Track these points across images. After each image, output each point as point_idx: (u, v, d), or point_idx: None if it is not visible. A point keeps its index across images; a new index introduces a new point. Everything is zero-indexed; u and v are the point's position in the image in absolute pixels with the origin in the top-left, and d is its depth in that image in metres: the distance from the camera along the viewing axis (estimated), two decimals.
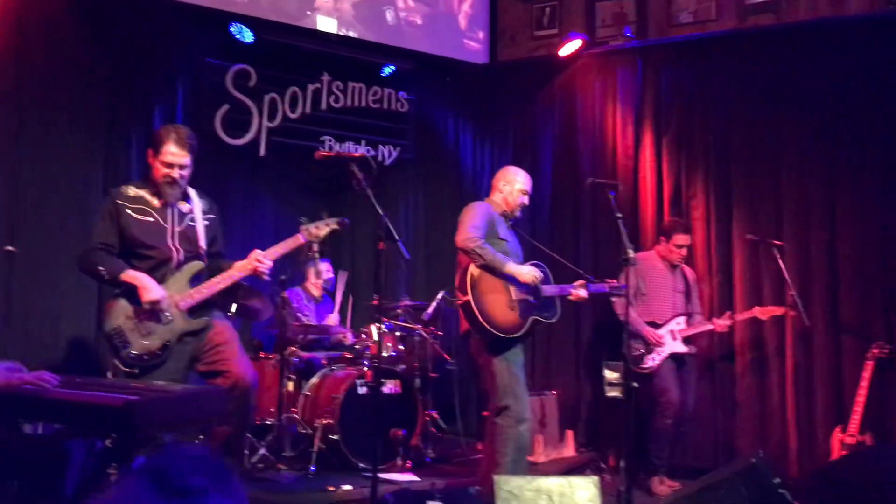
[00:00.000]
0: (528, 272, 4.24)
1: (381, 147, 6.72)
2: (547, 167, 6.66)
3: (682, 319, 5.32)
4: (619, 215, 4.20)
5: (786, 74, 5.79)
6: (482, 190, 6.72)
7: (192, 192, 3.79)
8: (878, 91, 5.47)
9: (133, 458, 2.79)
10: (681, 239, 5.35)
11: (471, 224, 4.24)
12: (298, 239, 3.80)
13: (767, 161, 5.80)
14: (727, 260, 5.87)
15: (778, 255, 5.31)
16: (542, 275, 4.30)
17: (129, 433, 2.79)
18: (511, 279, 4.24)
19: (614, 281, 4.62)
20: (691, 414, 5.37)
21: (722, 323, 5.27)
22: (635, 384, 4.24)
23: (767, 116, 5.82)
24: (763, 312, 5.24)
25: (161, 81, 5.80)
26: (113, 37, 5.53)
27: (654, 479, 5.21)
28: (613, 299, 5.22)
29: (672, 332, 5.26)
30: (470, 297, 4.15)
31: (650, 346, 5.24)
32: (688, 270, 5.52)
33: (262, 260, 3.71)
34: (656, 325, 5.28)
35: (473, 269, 4.21)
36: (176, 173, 3.63)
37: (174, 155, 3.62)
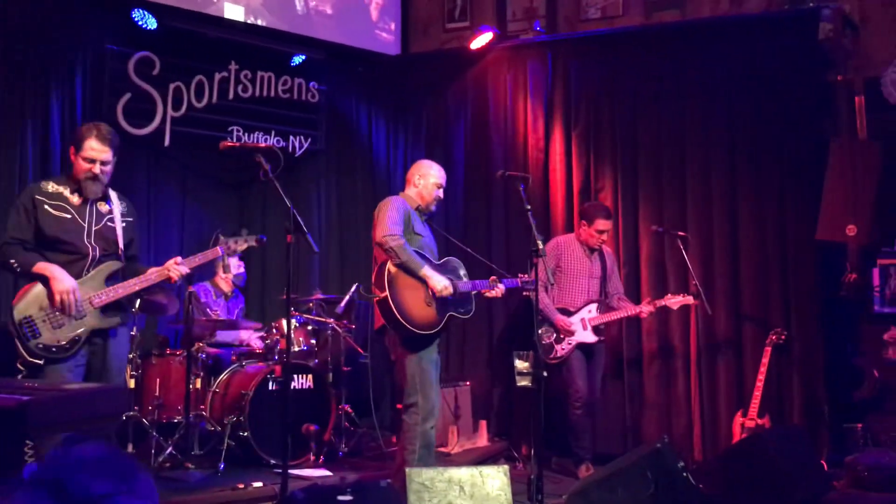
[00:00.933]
0: (441, 284, 4.23)
1: (291, 138, 6.63)
2: (460, 159, 6.70)
3: (593, 307, 5.39)
4: (529, 207, 4.24)
5: (689, 71, 5.97)
6: (396, 182, 6.74)
7: (112, 194, 3.82)
8: (776, 88, 5.69)
9: (23, 463, 2.67)
10: (602, 224, 5.40)
11: (389, 220, 4.23)
12: (217, 251, 3.87)
13: (673, 155, 5.97)
14: (634, 251, 6.02)
15: (682, 247, 5.46)
16: (452, 290, 4.29)
17: (24, 435, 2.67)
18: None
19: (525, 276, 4.68)
20: (598, 402, 5.49)
21: (646, 310, 5.35)
22: (545, 373, 4.29)
23: (672, 111, 5.99)
24: (673, 302, 5.36)
25: (59, 69, 5.57)
26: (4, 21, 5.27)
27: (581, 468, 5.31)
28: (525, 293, 5.23)
29: (583, 320, 5.34)
30: (387, 292, 4.14)
31: (560, 335, 5.31)
32: (606, 252, 5.58)
33: (177, 267, 3.74)
34: (568, 313, 5.36)
35: (391, 265, 4.20)
36: (97, 169, 3.66)
37: (95, 150, 3.65)
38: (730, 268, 5.73)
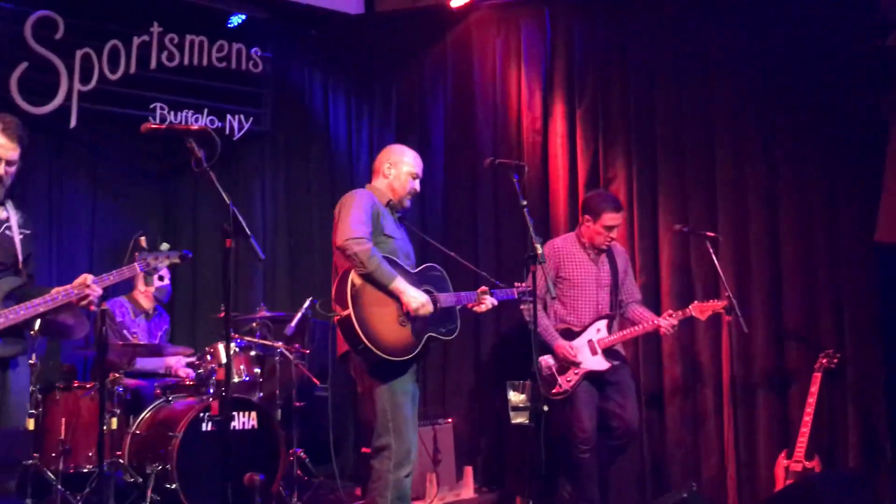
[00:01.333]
0: (416, 301, 4.21)
1: (228, 117, 6.62)
2: (438, 144, 6.67)
3: (602, 325, 5.34)
4: (525, 203, 4.24)
5: (719, 36, 5.96)
6: (360, 171, 6.76)
7: (7, 201, 3.89)
8: (824, 56, 5.66)
9: None
10: (611, 218, 5.31)
11: (354, 219, 4.20)
12: (135, 268, 3.95)
13: (698, 137, 5.96)
14: (652, 255, 6.01)
15: (711, 250, 5.43)
16: (431, 308, 4.27)
17: None
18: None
19: (523, 284, 4.63)
20: (636, 433, 5.39)
21: (667, 324, 5.27)
22: (546, 407, 4.26)
23: (698, 84, 5.99)
24: (701, 310, 5.29)
25: None
26: None
27: None
28: (523, 306, 5.12)
29: (591, 343, 5.28)
30: (351, 310, 4.11)
31: (564, 364, 5.26)
32: (616, 250, 5.52)
33: (93, 287, 3.79)
34: (572, 334, 5.31)
35: (355, 276, 4.18)
36: (1, 169, 3.73)
37: (1, 147, 3.72)
38: (770, 276, 5.73)
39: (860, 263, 5.54)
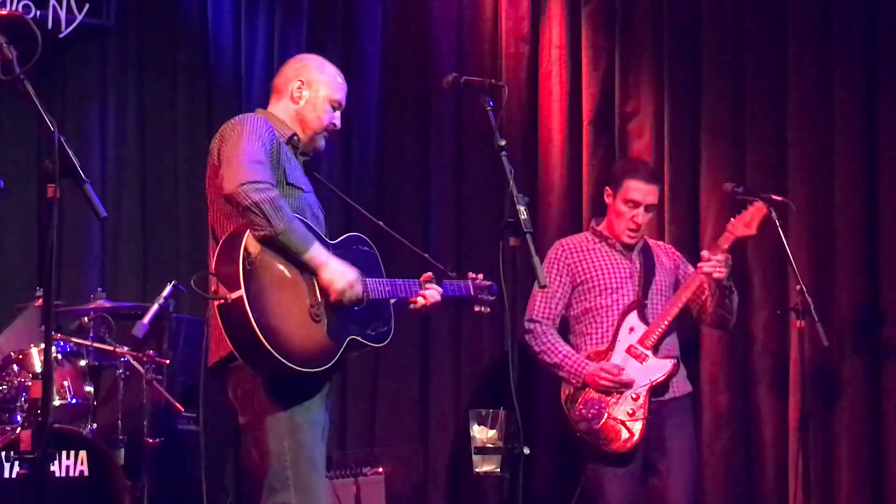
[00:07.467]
0: (343, 279, 4.19)
1: (52, 2, 6.60)
2: (373, 60, 6.77)
3: (633, 318, 5.33)
4: (502, 143, 4.18)
5: None
6: (252, 92, 6.82)
7: None
8: None
9: None
10: (636, 189, 5.31)
11: (249, 156, 4.15)
12: None
13: (762, 57, 6.01)
14: (691, 226, 6.09)
15: (778, 223, 5.42)
16: (360, 289, 4.27)
17: None
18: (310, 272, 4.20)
19: (480, 276, 4.72)
20: None
21: (711, 265, 5.17)
22: (527, 450, 4.15)
23: None
24: (744, 224, 5.27)
25: None
26: None
27: None
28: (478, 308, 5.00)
29: (632, 349, 5.29)
30: (243, 292, 4.04)
31: (611, 395, 5.24)
32: (663, 250, 5.59)
33: None
34: (601, 356, 5.31)
35: (252, 241, 4.10)
36: None
37: None
38: (865, 263, 5.76)
39: None
